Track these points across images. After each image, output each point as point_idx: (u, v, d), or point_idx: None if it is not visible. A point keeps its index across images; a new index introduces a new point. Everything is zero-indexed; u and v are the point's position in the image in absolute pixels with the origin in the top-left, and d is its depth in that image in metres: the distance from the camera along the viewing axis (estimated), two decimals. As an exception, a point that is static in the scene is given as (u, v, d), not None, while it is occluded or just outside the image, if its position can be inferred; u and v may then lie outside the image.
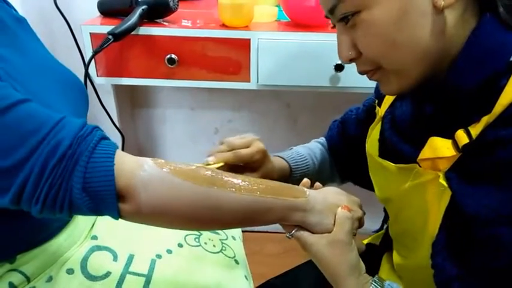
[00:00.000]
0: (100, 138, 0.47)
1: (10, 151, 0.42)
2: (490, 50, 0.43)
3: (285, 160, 0.74)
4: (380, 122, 0.62)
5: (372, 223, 0.94)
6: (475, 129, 0.43)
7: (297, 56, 0.97)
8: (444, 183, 0.45)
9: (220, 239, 0.79)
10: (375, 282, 0.52)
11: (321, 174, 0.77)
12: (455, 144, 0.44)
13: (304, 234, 0.54)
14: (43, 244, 0.60)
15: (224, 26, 0.98)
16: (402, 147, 0.54)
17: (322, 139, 0.82)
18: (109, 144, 0.48)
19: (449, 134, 0.45)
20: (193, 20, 1.03)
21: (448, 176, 0.45)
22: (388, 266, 0.68)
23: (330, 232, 0.54)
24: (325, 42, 0.96)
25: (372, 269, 0.70)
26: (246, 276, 0.76)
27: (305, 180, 0.60)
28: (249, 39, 0.96)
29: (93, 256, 0.64)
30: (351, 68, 0.88)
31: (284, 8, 1.01)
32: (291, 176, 0.73)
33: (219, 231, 0.81)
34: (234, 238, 0.83)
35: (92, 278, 0.62)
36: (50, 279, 0.60)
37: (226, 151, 0.63)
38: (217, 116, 1.46)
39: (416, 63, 0.45)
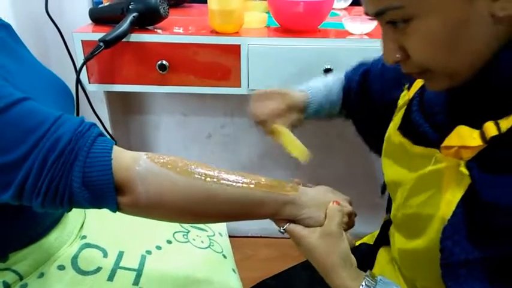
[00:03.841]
0: (98, 135, 0.49)
1: (12, 147, 0.43)
2: None
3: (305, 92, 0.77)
4: (406, 105, 0.61)
5: (366, 226, 0.95)
6: (506, 123, 0.43)
7: (287, 60, 0.98)
8: (465, 171, 0.45)
9: (207, 236, 0.81)
10: (368, 277, 0.52)
11: (331, 111, 0.80)
12: (482, 135, 0.45)
13: (297, 228, 0.56)
14: (34, 243, 0.61)
15: (214, 32, 0.99)
16: (427, 130, 0.54)
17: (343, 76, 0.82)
18: (106, 140, 0.50)
19: (477, 125, 0.45)
20: (185, 26, 1.05)
21: (469, 165, 0.45)
22: (383, 260, 0.69)
23: (321, 225, 0.55)
24: (315, 47, 0.97)
25: (366, 266, 0.71)
26: (233, 270, 0.78)
27: (297, 179, 0.62)
28: (239, 45, 0.97)
29: (83, 253, 0.66)
30: (340, 72, 0.89)
31: (273, 14, 1.02)
32: (307, 108, 0.77)
33: (206, 228, 0.83)
34: (220, 234, 0.86)
35: (83, 272, 0.63)
36: (41, 275, 0.61)
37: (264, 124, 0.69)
38: (209, 121, 1.47)
39: (469, 67, 0.45)
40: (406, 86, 0.63)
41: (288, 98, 0.74)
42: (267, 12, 1.11)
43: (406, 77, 0.62)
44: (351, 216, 0.61)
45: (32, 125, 0.44)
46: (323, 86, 0.77)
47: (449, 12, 0.41)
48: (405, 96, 0.62)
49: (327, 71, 0.98)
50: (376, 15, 0.46)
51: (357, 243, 0.80)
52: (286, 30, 1.03)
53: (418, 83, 0.61)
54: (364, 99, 0.76)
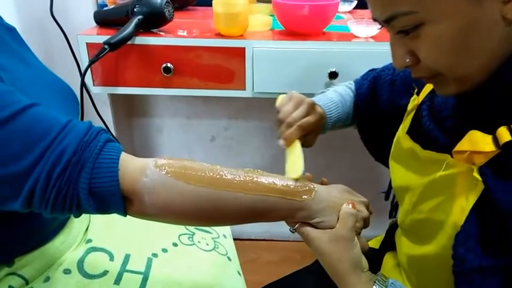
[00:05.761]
0: (105, 142, 0.48)
1: (17, 158, 0.43)
2: None
3: (322, 109, 0.75)
4: (415, 109, 0.61)
5: (371, 229, 0.95)
6: None
7: (292, 63, 0.98)
8: (478, 177, 0.45)
9: (212, 238, 0.81)
10: (378, 282, 0.51)
11: (345, 122, 0.79)
12: (495, 140, 0.44)
13: (307, 229, 0.54)
14: (40, 247, 0.61)
15: (219, 35, 0.99)
16: (437, 134, 0.54)
17: (352, 84, 0.81)
18: (113, 147, 0.49)
19: (490, 130, 0.45)
20: (189, 29, 1.05)
21: (482, 170, 0.45)
22: (389, 266, 0.69)
23: (333, 228, 0.54)
24: (319, 50, 0.97)
25: (372, 271, 0.70)
26: (238, 272, 0.78)
27: (307, 174, 0.60)
28: (244, 48, 0.97)
29: (89, 257, 0.66)
30: (345, 75, 0.89)
31: (278, 17, 1.02)
32: (324, 125, 0.75)
33: (210, 230, 0.83)
34: (225, 236, 0.86)
35: (89, 276, 0.63)
36: (47, 279, 0.61)
37: (289, 128, 0.65)
38: (213, 124, 1.46)
39: (480, 70, 0.45)
40: (416, 90, 0.63)
41: (318, 116, 0.70)
42: (271, 15, 1.11)
43: (415, 82, 0.62)
44: (366, 220, 0.59)
45: (37, 134, 0.44)
46: (338, 100, 0.76)
47: (460, 16, 0.41)
48: (414, 100, 0.62)
49: (332, 74, 0.97)
50: (386, 21, 0.45)
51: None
52: (291, 33, 1.02)
53: (428, 88, 0.60)
54: (372, 105, 0.76)
